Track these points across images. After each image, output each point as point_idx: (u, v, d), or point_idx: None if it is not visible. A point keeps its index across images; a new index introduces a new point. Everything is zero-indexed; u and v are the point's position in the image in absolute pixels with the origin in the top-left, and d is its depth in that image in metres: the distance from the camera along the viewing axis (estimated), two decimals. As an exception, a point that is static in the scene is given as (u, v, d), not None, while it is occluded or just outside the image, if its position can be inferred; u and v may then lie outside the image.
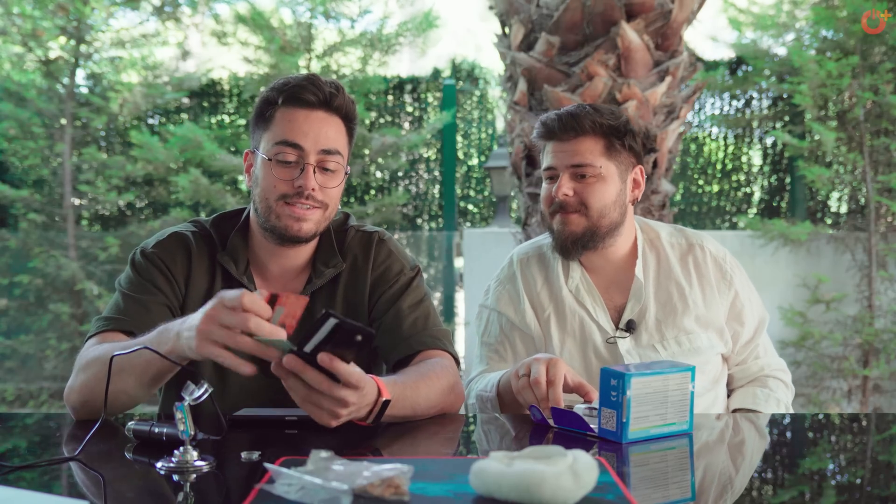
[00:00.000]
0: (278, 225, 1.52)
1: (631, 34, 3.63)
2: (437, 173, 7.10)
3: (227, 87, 7.02)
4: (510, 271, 1.90)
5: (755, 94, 6.83)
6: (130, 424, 1.24)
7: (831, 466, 1.22)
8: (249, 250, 1.62)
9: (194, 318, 1.20)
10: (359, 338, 1.12)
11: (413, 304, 1.61)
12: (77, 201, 6.40)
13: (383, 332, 1.60)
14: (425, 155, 7.10)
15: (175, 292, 1.56)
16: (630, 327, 1.75)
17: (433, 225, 7.09)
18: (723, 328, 1.78)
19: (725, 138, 6.98)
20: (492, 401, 1.68)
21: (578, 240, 1.73)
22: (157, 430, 1.21)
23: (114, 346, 1.36)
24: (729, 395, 1.87)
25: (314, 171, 1.50)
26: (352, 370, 1.16)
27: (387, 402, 1.27)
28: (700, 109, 6.84)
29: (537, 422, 1.39)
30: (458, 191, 7.15)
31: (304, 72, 6.07)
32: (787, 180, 6.83)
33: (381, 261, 1.64)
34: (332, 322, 1.10)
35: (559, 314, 1.80)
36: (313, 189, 1.50)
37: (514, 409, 1.62)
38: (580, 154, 1.72)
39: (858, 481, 1.14)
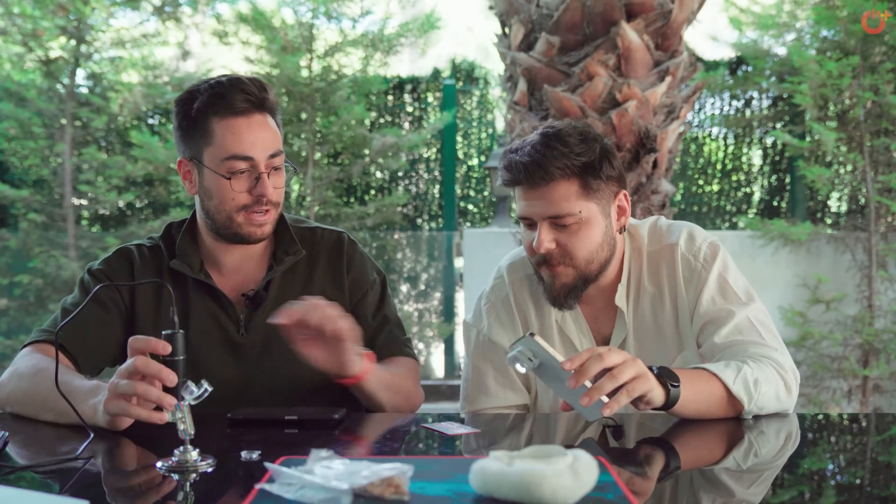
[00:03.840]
0: (240, 232, 1.55)
1: (631, 34, 3.63)
2: (437, 173, 7.10)
3: (227, 87, 7.01)
4: (503, 292, 1.73)
5: (755, 94, 6.83)
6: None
7: (831, 466, 1.22)
8: (201, 249, 1.64)
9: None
10: None
11: (374, 307, 1.68)
12: (77, 201, 6.40)
13: (372, 331, 1.66)
14: (425, 155, 7.10)
15: (120, 306, 1.61)
16: None
17: (433, 225, 7.09)
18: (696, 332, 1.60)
19: (725, 138, 6.98)
20: None
21: (571, 291, 1.57)
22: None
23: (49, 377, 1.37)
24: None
25: (267, 177, 1.54)
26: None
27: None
28: (700, 109, 6.84)
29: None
30: (458, 191, 7.15)
31: (305, 72, 6.08)
32: (787, 180, 6.83)
33: (356, 264, 1.68)
34: None
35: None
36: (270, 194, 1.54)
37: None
38: (555, 204, 1.52)
39: (858, 481, 1.14)
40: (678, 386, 1.33)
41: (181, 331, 1.18)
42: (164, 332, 1.18)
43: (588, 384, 1.24)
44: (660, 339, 1.61)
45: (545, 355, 1.26)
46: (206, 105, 1.52)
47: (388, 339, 1.66)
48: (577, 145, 1.52)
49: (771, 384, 1.43)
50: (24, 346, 1.58)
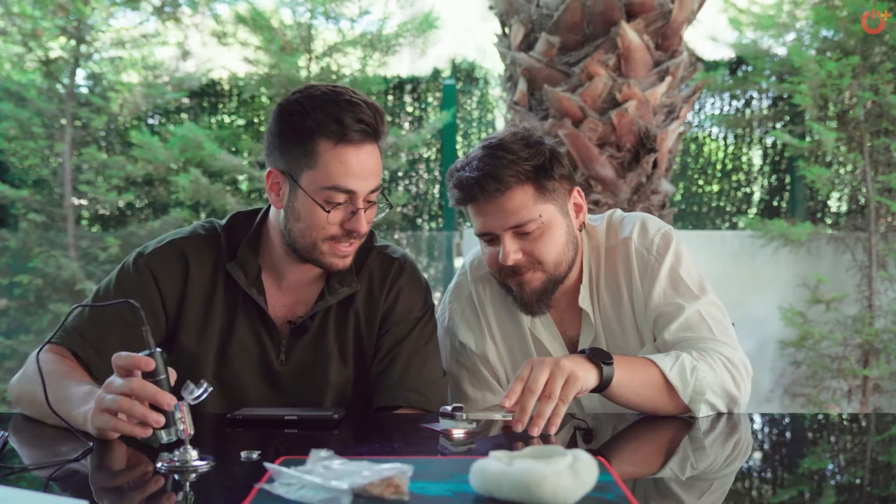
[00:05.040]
0: (321, 260, 1.48)
1: (631, 34, 3.63)
2: (437, 173, 7.09)
3: (227, 87, 7.01)
4: (466, 291, 1.71)
5: (755, 94, 6.83)
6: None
7: (831, 466, 1.22)
8: (263, 258, 1.55)
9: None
10: None
11: (412, 351, 1.55)
12: (77, 201, 6.39)
13: (377, 372, 1.56)
14: (425, 155, 7.09)
15: (157, 307, 1.51)
16: None
17: (433, 225, 7.09)
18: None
19: (725, 138, 6.97)
20: None
21: (542, 296, 1.56)
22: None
23: (62, 390, 1.33)
24: None
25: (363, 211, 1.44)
26: None
27: None
28: (700, 109, 6.84)
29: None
30: (459, 191, 7.14)
31: (304, 72, 6.07)
32: (787, 180, 6.83)
33: (396, 293, 1.58)
34: None
35: (512, 351, 1.66)
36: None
37: None
38: (515, 213, 1.50)
39: (858, 481, 1.14)
40: (611, 363, 1.35)
41: (158, 349, 1.14)
42: (142, 353, 1.14)
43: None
44: (624, 336, 1.60)
45: (480, 414, 1.31)
46: (319, 125, 1.40)
47: (396, 382, 1.52)
48: (523, 150, 1.51)
49: (716, 374, 1.42)
50: (44, 344, 1.46)
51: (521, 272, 1.54)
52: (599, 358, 1.35)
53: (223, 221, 1.60)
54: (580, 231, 1.62)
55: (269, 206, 1.56)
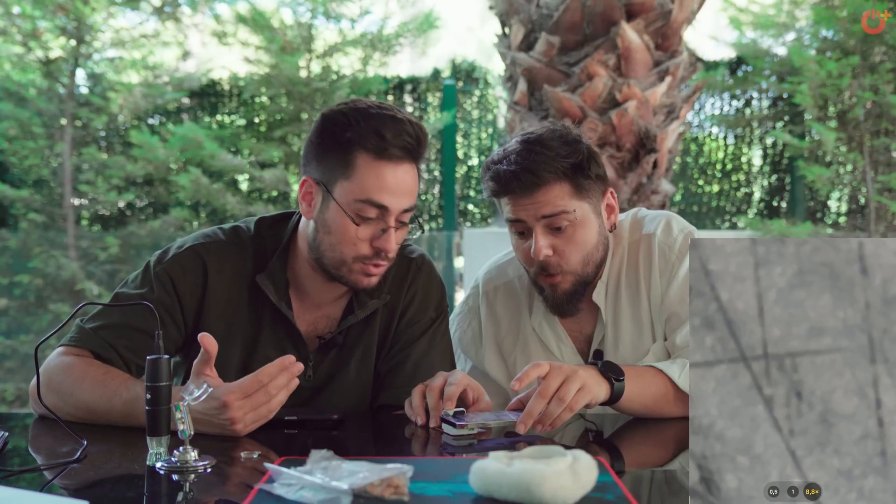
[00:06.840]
0: (348, 278, 1.43)
1: (631, 34, 3.63)
2: (437, 173, 7.09)
3: (227, 87, 7.02)
4: (474, 304, 1.73)
5: (755, 94, 6.83)
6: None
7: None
8: (290, 271, 1.51)
9: (219, 416, 1.23)
10: None
11: (422, 353, 1.54)
12: (77, 201, 6.40)
13: (386, 369, 1.54)
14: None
15: (177, 316, 1.47)
16: (598, 359, 1.53)
17: (433, 225, 7.09)
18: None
19: (725, 138, 6.98)
20: None
21: (572, 297, 1.57)
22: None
23: (114, 391, 1.32)
24: None
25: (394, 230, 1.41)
26: None
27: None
28: (700, 109, 6.84)
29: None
30: (458, 191, 7.15)
31: (304, 72, 6.07)
32: (787, 180, 6.83)
33: (413, 294, 1.57)
34: None
35: (525, 358, 1.65)
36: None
37: None
38: (549, 203, 1.50)
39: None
40: (622, 380, 1.35)
41: (166, 356, 1.12)
42: (148, 357, 1.11)
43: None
44: (637, 332, 1.60)
45: (488, 417, 1.31)
46: (360, 137, 1.37)
47: (403, 383, 1.48)
48: (562, 148, 1.51)
49: None
50: (63, 344, 1.43)
51: (551, 273, 1.54)
52: (611, 373, 1.35)
53: (250, 227, 1.55)
54: (611, 231, 1.62)
55: (300, 216, 1.51)
